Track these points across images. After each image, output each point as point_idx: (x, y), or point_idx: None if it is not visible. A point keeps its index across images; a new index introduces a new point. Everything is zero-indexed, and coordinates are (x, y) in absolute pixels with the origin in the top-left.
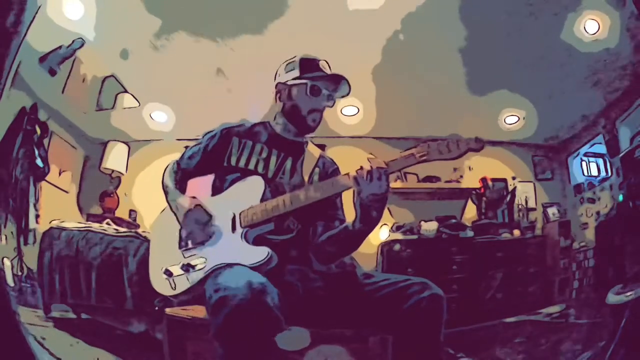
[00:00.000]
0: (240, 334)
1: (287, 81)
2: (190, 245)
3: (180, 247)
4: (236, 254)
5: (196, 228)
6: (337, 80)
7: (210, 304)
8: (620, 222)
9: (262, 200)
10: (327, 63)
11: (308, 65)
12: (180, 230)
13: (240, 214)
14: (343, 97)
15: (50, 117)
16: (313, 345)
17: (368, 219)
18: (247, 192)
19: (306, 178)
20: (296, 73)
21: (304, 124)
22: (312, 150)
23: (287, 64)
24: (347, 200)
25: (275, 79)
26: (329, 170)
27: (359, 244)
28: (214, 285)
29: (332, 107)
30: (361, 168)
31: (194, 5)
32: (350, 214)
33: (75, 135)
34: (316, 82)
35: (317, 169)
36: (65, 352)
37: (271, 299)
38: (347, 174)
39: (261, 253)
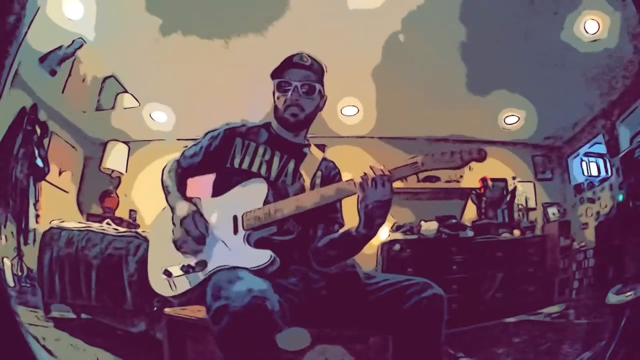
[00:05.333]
0: (241, 340)
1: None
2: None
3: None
4: (238, 257)
5: (189, 238)
6: (298, 65)
7: (211, 312)
8: (620, 222)
9: (264, 203)
10: (309, 56)
11: (279, 66)
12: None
13: (242, 216)
14: (319, 78)
15: (50, 117)
16: (313, 345)
17: (372, 225)
18: (250, 195)
19: (308, 181)
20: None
21: (284, 120)
22: (315, 153)
23: None
24: (347, 204)
25: None
26: (330, 173)
27: (361, 248)
28: (214, 292)
29: (312, 95)
30: (365, 175)
31: (194, 5)
32: (353, 219)
33: (75, 135)
34: (283, 78)
35: (319, 172)
36: (65, 352)
37: (271, 305)
38: (351, 180)
39: (264, 256)
